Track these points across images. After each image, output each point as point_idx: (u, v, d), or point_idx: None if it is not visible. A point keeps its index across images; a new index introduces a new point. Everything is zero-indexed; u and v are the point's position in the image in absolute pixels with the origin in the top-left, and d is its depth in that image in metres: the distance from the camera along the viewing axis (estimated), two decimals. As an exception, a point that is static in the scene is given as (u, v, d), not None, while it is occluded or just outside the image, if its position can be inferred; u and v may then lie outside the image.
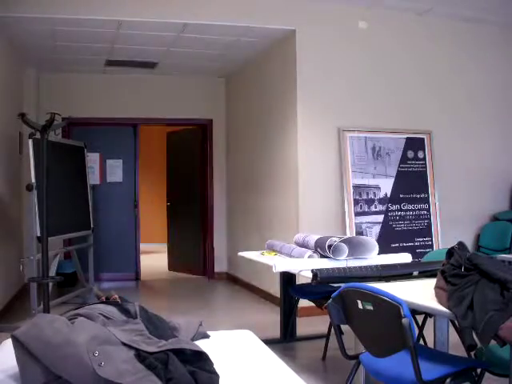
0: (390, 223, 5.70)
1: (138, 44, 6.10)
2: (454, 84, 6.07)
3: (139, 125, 7.87)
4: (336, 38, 5.70)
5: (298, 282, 4.94)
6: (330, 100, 5.66)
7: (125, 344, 1.38)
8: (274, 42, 5.99)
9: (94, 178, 7.69)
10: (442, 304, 2.32)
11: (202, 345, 1.59)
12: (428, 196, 5.86)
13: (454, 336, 2.89)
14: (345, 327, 2.55)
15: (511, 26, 6.15)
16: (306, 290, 4.50)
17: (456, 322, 2.31)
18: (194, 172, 8.14)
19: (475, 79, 6.14)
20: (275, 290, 5.58)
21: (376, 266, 3.15)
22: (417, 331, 3.21)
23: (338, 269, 3.16)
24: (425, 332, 3.49)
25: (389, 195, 5.73)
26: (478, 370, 2.47)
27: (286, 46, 5.83)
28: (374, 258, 3.78)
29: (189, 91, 7.78)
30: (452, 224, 5.87)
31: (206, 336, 1.85)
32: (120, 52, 6.41)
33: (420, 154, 5.90)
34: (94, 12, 5.09)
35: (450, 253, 2.42)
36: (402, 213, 5.76)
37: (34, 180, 4.95)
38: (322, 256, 3.82)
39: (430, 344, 3.06)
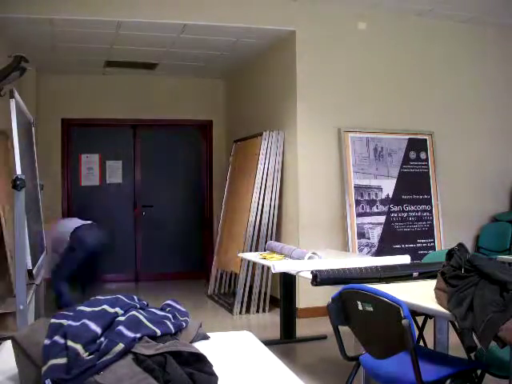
0: (392, 224, 5.69)
1: (137, 45, 6.10)
2: (455, 85, 6.07)
3: (139, 126, 7.87)
4: (336, 39, 5.70)
5: (297, 284, 4.94)
6: (330, 101, 5.67)
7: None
8: (274, 43, 5.99)
9: (93, 179, 7.73)
10: (441, 305, 2.32)
11: (201, 346, 1.58)
12: (430, 197, 5.86)
13: (454, 337, 2.88)
14: (345, 328, 2.55)
15: (511, 27, 6.15)
16: None
17: (456, 323, 2.31)
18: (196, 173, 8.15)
19: (476, 80, 6.14)
20: (275, 291, 5.58)
21: (376, 268, 3.14)
22: (417, 332, 3.20)
23: (338, 270, 3.16)
24: (425, 333, 3.48)
25: (391, 196, 5.73)
26: (478, 372, 2.47)
27: (285, 47, 5.83)
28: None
29: (188, 92, 7.78)
30: (452, 225, 5.86)
31: (206, 337, 1.85)
32: (119, 53, 6.41)
33: (422, 155, 5.90)
34: (94, 13, 5.09)
35: (450, 254, 2.42)
36: (404, 214, 5.75)
37: (20, 170, 2.92)
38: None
39: (430, 345, 3.06)
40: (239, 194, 6.36)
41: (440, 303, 2.34)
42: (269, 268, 4.26)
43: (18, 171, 2.90)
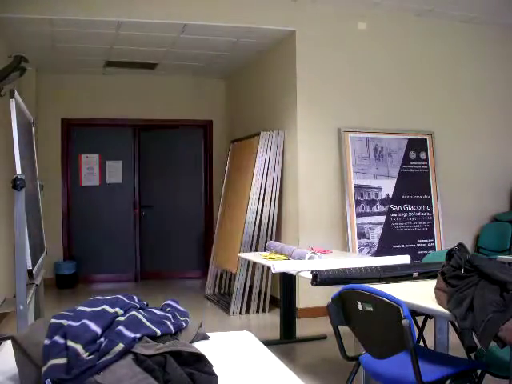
0: (392, 224, 5.69)
1: (137, 45, 6.10)
2: (455, 85, 6.07)
3: (139, 126, 7.86)
4: (336, 39, 5.70)
5: (297, 284, 4.94)
6: (330, 101, 5.67)
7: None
8: (274, 43, 5.99)
9: (93, 179, 7.73)
10: (441, 305, 2.32)
11: (201, 346, 1.58)
12: (430, 197, 5.86)
13: (454, 337, 2.88)
14: (345, 328, 2.55)
15: (511, 26, 6.15)
16: None
17: (456, 323, 2.31)
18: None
19: (476, 80, 6.14)
20: (275, 291, 5.58)
21: (376, 268, 3.14)
22: (417, 332, 3.20)
23: (338, 270, 3.16)
24: (425, 333, 3.49)
25: (391, 196, 5.73)
26: (478, 372, 2.47)
27: (285, 47, 5.82)
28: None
29: (188, 92, 7.78)
30: (452, 225, 5.87)
31: (206, 337, 1.85)
32: (119, 53, 6.41)
33: (422, 155, 5.90)
34: (94, 13, 5.09)
35: (450, 254, 2.42)
36: (404, 214, 5.75)
37: (20, 170, 2.91)
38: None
39: (430, 345, 3.05)
40: (237, 194, 6.36)
41: (440, 303, 2.34)
42: (269, 268, 4.26)
43: (18, 171, 2.89)
